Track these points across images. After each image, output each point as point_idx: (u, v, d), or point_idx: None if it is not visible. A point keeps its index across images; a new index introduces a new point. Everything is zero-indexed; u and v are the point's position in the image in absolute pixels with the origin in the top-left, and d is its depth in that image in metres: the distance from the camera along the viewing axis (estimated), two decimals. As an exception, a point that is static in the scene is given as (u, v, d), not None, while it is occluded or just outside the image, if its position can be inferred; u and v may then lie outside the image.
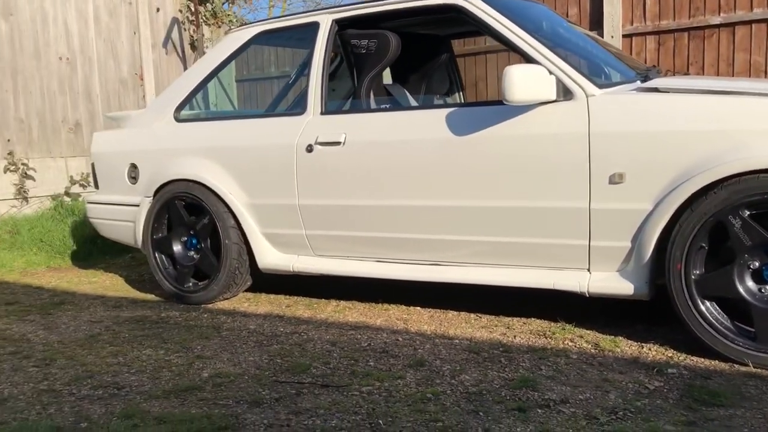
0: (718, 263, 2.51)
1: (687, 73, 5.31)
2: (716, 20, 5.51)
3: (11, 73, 6.59)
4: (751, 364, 2.41)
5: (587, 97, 2.72)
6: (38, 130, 6.82)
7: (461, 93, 4.60)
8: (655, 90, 2.67)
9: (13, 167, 6.56)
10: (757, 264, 2.43)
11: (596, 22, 6.02)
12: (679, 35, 5.70)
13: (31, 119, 6.77)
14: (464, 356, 2.71)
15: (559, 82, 2.76)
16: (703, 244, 2.50)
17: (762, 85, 2.62)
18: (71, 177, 6.95)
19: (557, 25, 3.66)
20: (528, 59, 2.86)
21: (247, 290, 3.93)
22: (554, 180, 2.76)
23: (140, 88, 7.68)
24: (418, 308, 3.44)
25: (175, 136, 3.87)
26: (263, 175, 3.50)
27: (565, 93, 2.76)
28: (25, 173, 6.64)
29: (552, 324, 3.03)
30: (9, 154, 6.54)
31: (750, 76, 5.43)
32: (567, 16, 6.18)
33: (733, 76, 5.50)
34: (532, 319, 3.14)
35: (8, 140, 6.57)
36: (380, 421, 2.14)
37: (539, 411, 2.17)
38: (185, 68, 8.18)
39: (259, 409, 2.30)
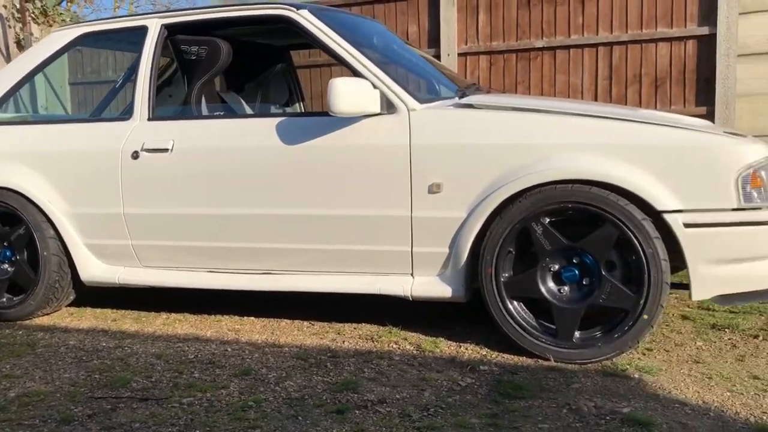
0: (525, 266, 2.71)
1: (504, 92, 5.69)
2: (540, 44, 5.95)
3: None
4: (552, 359, 2.63)
5: (409, 111, 2.85)
6: None
7: (302, 104, 4.63)
8: (470, 106, 2.85)
9: None
10: (557, 267, 2.66)
11: (434, 41, 6.30)
12: (508, 56, 6.11)
13: None
14: (291, 363, 2.73)
15: (383, 96, 2.87)
16: (511, 249, 2.69)
17: (567, 105, 2.88)
18: None
19: (390, 42, 3.80)
20: (355, 73, 2.95)
21: (71, 304, 3.72)
22: (379, 189, 2.86)
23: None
24: (252, 318, 3.41)
25: (-14, 140, 3.59)
26: (86, 182, 3.34)
27: (389, 107, 2.87)
28: None
29: (380, 328, 3.13)
30: None
31: (569, 96, 5.93)
32: (407, 34, 6.42)
33: (555, 95, 5.97)
34: (363, 324, 3.22)
35: None
36: (197, 431, 2.12)
37: (357, 412, 2.23)
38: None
39: (68, 427, 2.19)
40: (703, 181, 2.47)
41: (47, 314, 3.60)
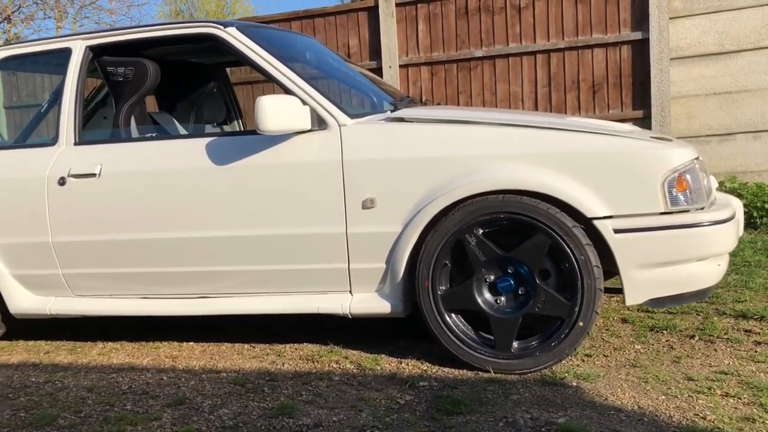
0: (462, 278, 2.70)
1: (445, 103, 5.70)
2: (479, 53, 6.01)
3: None
4: (492, 370, 2.62)
5: (340, 126, 2.82)
6: None
7: (240, 121, 4.57)
8: (401, 120, 2.83)
9: None
10: (492, 277, 2.65)
11: (375, 53, 6.31)
12: (449, 66, 6.15)
13: None
14: (228, 389, 2.66)
15: (313, 112, 2.83)
16: (447, 262, 2.67)
17: (496, 115, 2.88)
18: None
19: (324, 57, 3.77)
20: (285, 90, 2.91)
21: (2, 338, 3.57)
22: (312, 207, 2.81)
23: None
24: (191, 343, 3.33)
25: None
26: (10, 211, 3.22)
27: (319, 123, 2.84)
28: None
29: (322, 347, 3.08)
30: None
31: (510, 105, 5.99)
32: (348, 47, 6.42)
33: (496, 104, 6.02)
34: (305, 344, 3.16)
35: None
36: (123, 469, 2.03)
37: (292, 438, 2.18)
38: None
39: (-13, 472, 2.08)
40: (630, 186, 2.49)
41: (-24, 350, 3.45)
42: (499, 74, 6.00)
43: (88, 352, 3.34)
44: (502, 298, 2.65)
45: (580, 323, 2.52)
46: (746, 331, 2.94)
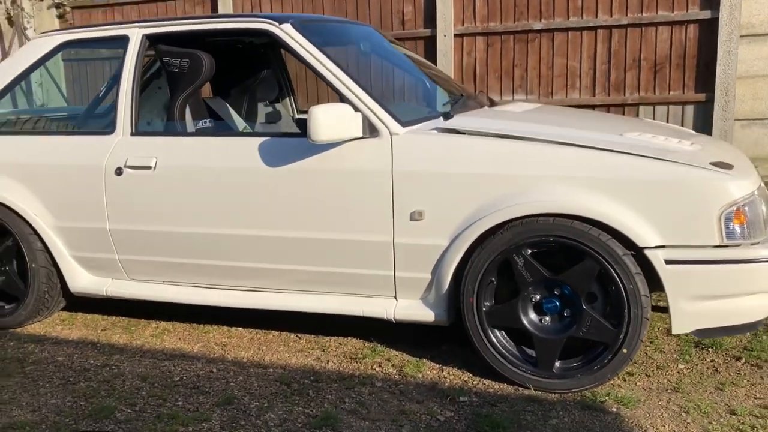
0: (508, 296, 2.71)
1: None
2: (538, 26, 5.83)
3: None
4: (532, 388, 2.65)
5: (391, 135, 2.81)
6: None
7: (291, 98, 4.58)
8: (454, 131, 2.80)
9: None
10: (538, 297, 2.66)
11: (430, 20, 6.18)
12: (505, 37, 5.99)
13: None
14: (274, 389, 2.76)
15: (365, 119, 2.82)
16: (493, 279, 2.69)
17: (552, 131, 2.79)
18: None
19: (380, 48, 3.73)
20: (338, 94, 2.90)
21: (64, 309, 3.75)
22: (361, 214, 2.84)
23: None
24: (240, 329, 3.44)
25: (-30, 150, 3.57)
26: (70, 197, 3.33)
27: (371, 130, 2.83)
28: None
29: (365, 344, 3.15)
30: None
31: (567, 81, 5.83)
32: (402, 13, 6.29)
33: (552, 79, 5.87)
34: (349, 338, 3.24)
35: None
36: (176, 479, 2.16)
37: (334, 454, 2.27)
38: (1, 44, 7.54)
39: (51, 471, 2.23)
40: (686, 217, 2.44)
41: (38, 322, 3.64)
42: (558, 48, 5.83)
43: (142, 332, 3.48)
44: (547, 318, 2.66)
45: (624, 350, 2.52)
46: (795, 355, 2.89)
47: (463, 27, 6.10)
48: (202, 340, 3.34)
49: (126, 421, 2.55)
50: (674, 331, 2.53)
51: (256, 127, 4.09)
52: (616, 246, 2.48)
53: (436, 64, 6.08)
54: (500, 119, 3.01)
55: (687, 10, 5.39)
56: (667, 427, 2.39)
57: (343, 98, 2.88)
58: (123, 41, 3.38)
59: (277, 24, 3.06)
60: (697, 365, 2.86)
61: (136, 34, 3.36)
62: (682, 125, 5.50)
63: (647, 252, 2.47)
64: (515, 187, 2.60)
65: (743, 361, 2.87)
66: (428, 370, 2.89)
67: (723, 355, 2.93)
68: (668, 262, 2.45)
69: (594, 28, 5.68)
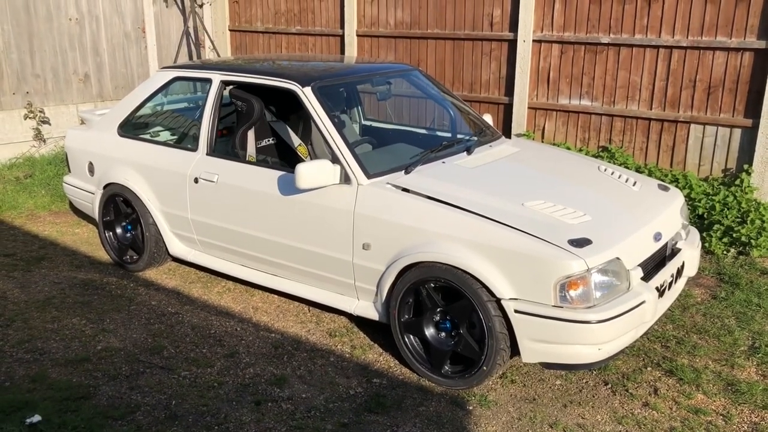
0: (419, 313, 3.74)
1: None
2: (605, 39, 6.28)
3: (28, 36, 7.86)
4: (427, 381, 3.70)
5: (358, 184, 3.87)
6: (52, 83, 8.16)
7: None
8: (401, 188, 3.79)
9: (32, 115, 7.98)
10: (437, 318, 3.66)
11: (514, 25, 6.82)
12: (577, 47, 6.50)
13: (46, 73, 8.10)
14: (266, 350, 4.07)
15: (343, 170, 3.90)
16: (410, 300, 3.72)
17: (473, 197, 3.63)
18: (81, 120, 8.32)
19: (420, 86, 4.75)
20: (329, 148, 4.00)
21: (175, 259, 5.33)
22: (334, 238, 3.97)
23: (142, 40, 8.84)
24: (274, 297, 4.76)
25: (116, 147, 5.16)
26: (168, 192, 4.80)
27: (346, 179, 3.91)
28: (42, 119, 8.06)
29: (347, 325, 4.33)
30: (28, 104, 7.95)
31: (628, 93, 6.27)
32: (491, 16, 6.97)
33: (615, 90, 6.34)
34: (342, 317, 4.44)
35: (27, 92, 7.96)
36: (173, 402, 3.55)
37: (269, 404, 3.53)
38: (184, 20, 9.26)
39: (112, 383, 3.73)
40: (533, 280, 3.28)
41: (153, 269, 5.25)
42: (622, 62, 6.25)
43: (212, 288, 4.95)
44: (442, 334, 3.66)
45: (485, 368, 3.48)
46: (657, 388, 3.61)
47: (542, 34, 6.67)
48: (246, 302, 4.73)
49: (168, 358, 4.00)
50: (524, 360, 3.43)
51: (313, 143, 5.28)
52: (483, 293, 3.40)
53: (515, 66, 6.76)
54: (444, 179, 3.90)
55: (744, 38, 5.57)
56: (494, 426, 3.34)
57: (332, 151, 3.97)
58: (209, 82, 4.70)
59: (300, 87, 4.18)
60: (571, 384, 3.70)
61: (216, 78, 4.65)
62: (729, 147, 5.78)
63: (503, 302, 3.36)
64: (424, 238, 3.58)
65: (609, 386, 3.66)
66: (370, 354, 4.02)
67: (600, 377, 3.73)
68: (517, 311, 3.33)
69: (656, 47, 6.02)
